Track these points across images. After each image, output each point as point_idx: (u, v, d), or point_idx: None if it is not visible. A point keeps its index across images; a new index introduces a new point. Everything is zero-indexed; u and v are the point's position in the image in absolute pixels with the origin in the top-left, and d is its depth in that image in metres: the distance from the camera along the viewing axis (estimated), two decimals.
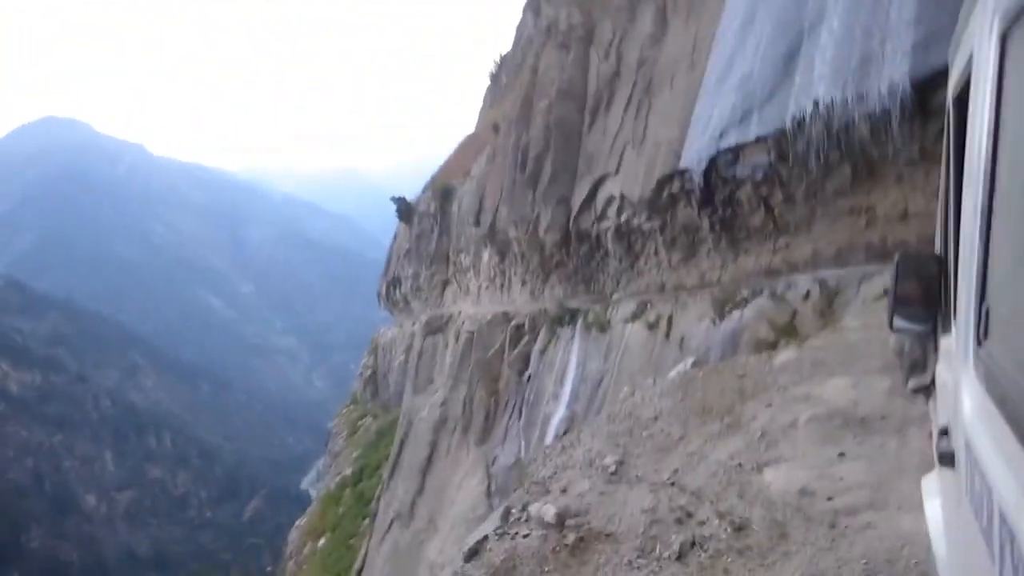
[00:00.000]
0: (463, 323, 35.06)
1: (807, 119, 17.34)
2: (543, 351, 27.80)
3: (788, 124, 17.79)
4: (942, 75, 15.49)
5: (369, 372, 63.51)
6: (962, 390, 1.86)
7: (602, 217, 27.95)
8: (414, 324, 49.68)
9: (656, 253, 25.99)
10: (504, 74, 55.67)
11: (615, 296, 25.81)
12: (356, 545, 41.02)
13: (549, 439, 24.66)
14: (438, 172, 58.93)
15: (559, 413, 24.67)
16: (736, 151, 19.96)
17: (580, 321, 25.21)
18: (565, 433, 24.40)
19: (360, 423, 59.12)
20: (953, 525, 2.01)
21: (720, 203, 21.13)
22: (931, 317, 2.74)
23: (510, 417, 28.66)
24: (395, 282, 63.32)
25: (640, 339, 21.28)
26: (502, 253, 36.45)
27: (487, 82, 62.35)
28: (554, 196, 30.66)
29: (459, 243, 45.76)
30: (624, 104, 27.59)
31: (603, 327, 23.68)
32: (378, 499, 38.12)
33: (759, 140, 18.93)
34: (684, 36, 24.95)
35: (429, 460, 32.51)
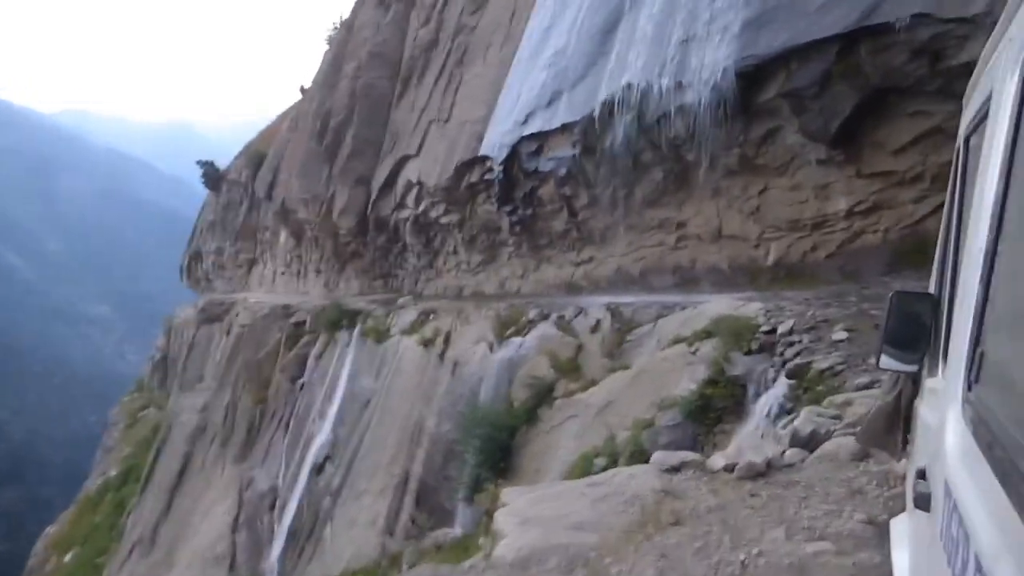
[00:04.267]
0: (238, 314, 29.92)
1: (618, 106, 14.22)
2: (320, 356, 23.46)
3: (597, 110, 14.60)
4: (773, 65, 12.85)
5: (159, 356, 55.93)
6: (947, 432, 1.85)
7: (401, 204, 23.96)
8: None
9: (455, 252, 22.38)
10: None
11: (400, 300, 21.93)
12: (104, 565, 34.62)
13: (307, 466, 20.43)
14: (257, 137, 52.60)
15: (322, 435, 20.51)
16: (541, 140, 16.63)
17: (358, 326, 21.12)
18: (325, 460, 20.29)
19: (141, 414, 51.58)
20: (922, 569, 2.05)
21: (521, 200, 17.76)
22: (919, 358, 2.62)
23: (275, 431, 24.12)
24: (197, 256, 56.24)
25: (414, 357, 17.57)
26: (297, 236, 31.59)
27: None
28: (353, 174, 26.29)
29: (265, 218, 40.22)
30: (436, 76, 23.69)
31: (380, 336, 19.75)
32: (128, 514, 32.21)
33: (565, 128, 15.65)
34: (505, 1, 21.38)
35: (180, 476, 27.30)
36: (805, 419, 4.59)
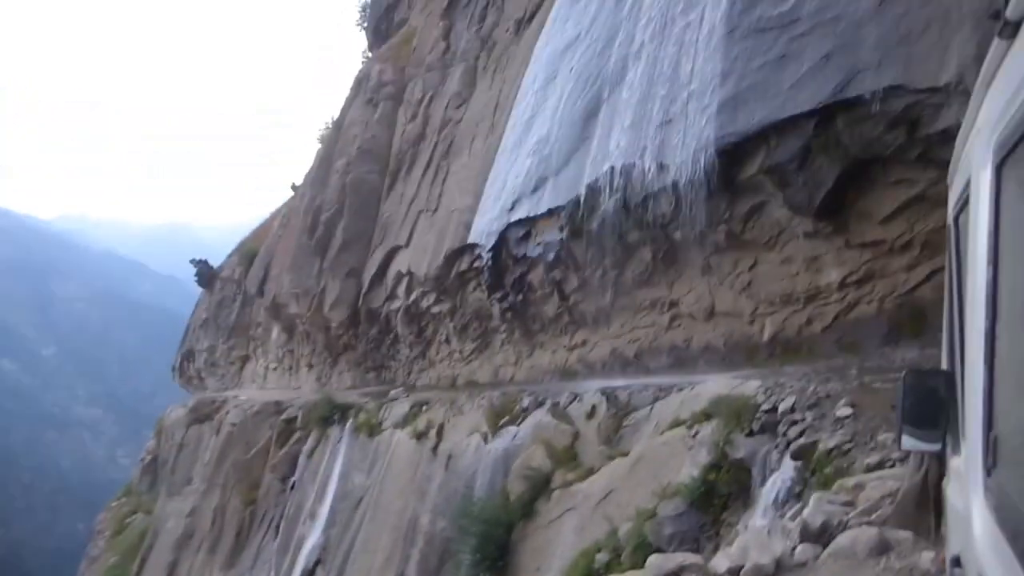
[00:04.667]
0: (228, 413, 29.25)
1: (603, 191, 14.26)
2: (311, 453, 22.76)
3: (583, 194, 14.65)
4: (752, 142, 12.95)
5: (149, 458, 54.42)
6: (973, 519, 1.76)
7: (392, 295, 23.81)
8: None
9: (448, 341, 22.08)
10: None
11: (392, 393, 21.48)
12: None
13: (297, 572, 19.46)
14: (250, 235, 53.03)
15: (313, 537, 19.62)
16: (528, 225, 16.63)
17: (350, 421, 20.56)
18: (316, 565, 19.35)
19: (129, 520, 49.74)
20: None
21: (511, 286, 17.62)
22: (941, 436, 2.48)
23: (265, 534, 23.13)
24: (189, 355, 55.66)
25: (407, 451, 16.99)
26: (289, 330, 31.32)
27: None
28: (343, 267, 26.26)
29: (257, 315, 39.99)
30: (424, 168, 24.01)
31: (373, 431, 19.20)
32: None
33: (552, 213, 15.67)
34: (489, 94, 21.91)
35: None
36: (815, 509, 4.17)
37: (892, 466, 4.93)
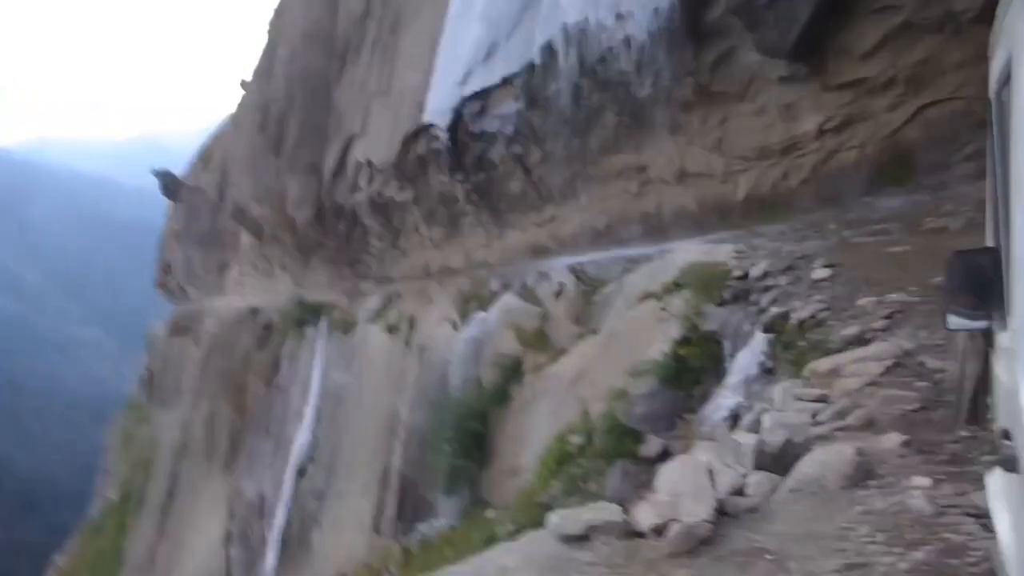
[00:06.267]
0: (205, 324, 28.71)
1: (558, 51, 13.01)
2: (292, 356, 22.38)
3: (537, 58, 13.39)
4: None
5: (147, 373, 54.58)
6: (1020, 395, 1.75)
7: (355, 187, 22.69)
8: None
9: (417, 229, 21.20)
10: None
11: (363, 286, 20.83)
12: None
13: (290, 470, 19.52)
14: (210, 139, 50.88)
15: (302, 437, 19.55)
16: (483, 98, 15.40)
17: (326, 320, 20.01)
18: (308, 462, 19.36)
19: (135, 433, 50.45)
20: (1021, 530, 1.93)
21: (472, 166, 16.57)
22: (988, 313, 2.42)
23: (258, 438, 23.11)
24: (168, 268, 54.74)
25: (382, 345, 16.53)
26: (257, 234, 30.22)
27: None
28: (302, 163, 24.92)
29: (228, 221, 38.78)
30: (371, 47, 22.28)
31: (348, 328, 18.67)
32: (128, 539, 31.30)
33: (506, 82, 14.44)
34: None
35: (170, 495, 26.35)
36: (774, 424, 3.38)
37: (871, 340, 4.28)
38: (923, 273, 5.30)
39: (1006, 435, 2.04)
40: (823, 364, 4.08)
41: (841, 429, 3.26)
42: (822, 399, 3.69)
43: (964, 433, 3.13)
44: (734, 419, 4.92)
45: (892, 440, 3.04)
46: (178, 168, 58.60)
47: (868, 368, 3.74)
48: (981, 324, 2.42)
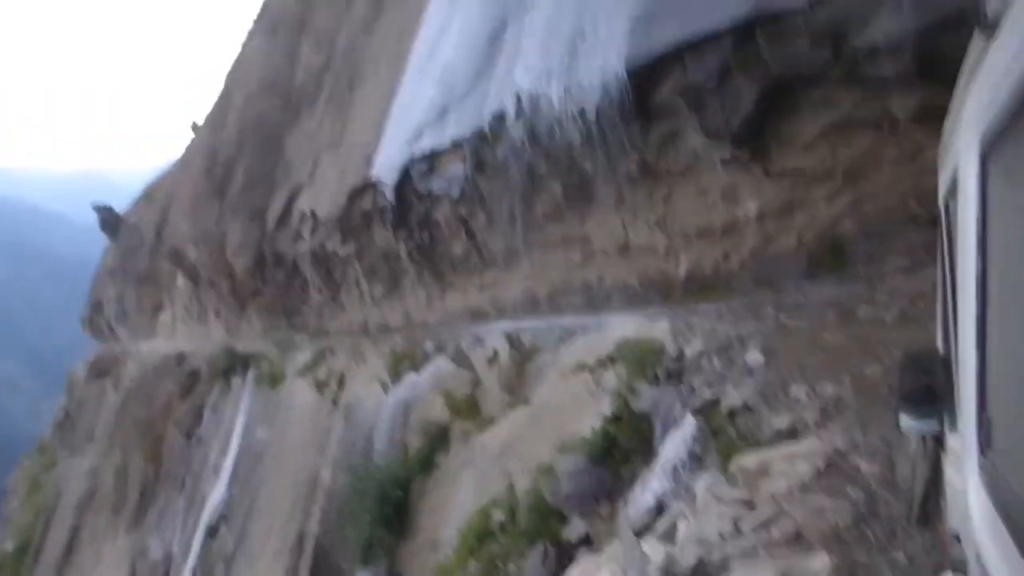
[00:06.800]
0: (127, 367, 27.36)
1: (509, 119, 13.05)
2: (215, 407, 21.36)
3: (487, 124, 13.40)
4: (667, 62, 11.88)
5: (63, 414, 51.67)
6: (969, 498, 1.76)
7: (298, 237, 22.24)
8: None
9: (358, 284, 20.77)
10: None
11: (296, 339, 20.16)
12: None
13: (201, 528, 18.36)
14: (156, 179, 49.85)
15: (217, 494, 18.43)
16: (431, 159, 15.32)
17: (253, 371, 19.21)
18: (220, 521, 18.25)
19: (42, 478, 47.27)
20: None
21: (416, 225, 16.37)
22: (938, 416, 2.50)
23: (170, 493, 21.78)
24: (98, 306, 52.61)
25: (308, 402, 15.87)
26: (193, 278, 29.30)
27: None
28: (246, 209, 24.41)
29: (164, 262, 37.57)
30: (327, 100, 22.23)
31: (276, 382, 17.92)
32: None
33: (456, 145, 14.40)
34: (395, 18, 20.16)
35: (69, 549, 24.51)
36: (688, 538, 3.05)
37: (802, 434, 4.08)
38: (857, 364, 5.19)
39: (957, 538, 2.01)
40: (751, 460, 3.84)
41: (765, 545, 2.97)
42: (747, 503, 3.41)
43: (898, 554, 2.90)
44: (658, 510, 4.63)
45: (821, 561, 2.78)
46: (122, 205, 57.01)
47: (798, 469, 3.50)
48: (932, 427, 2.42)
